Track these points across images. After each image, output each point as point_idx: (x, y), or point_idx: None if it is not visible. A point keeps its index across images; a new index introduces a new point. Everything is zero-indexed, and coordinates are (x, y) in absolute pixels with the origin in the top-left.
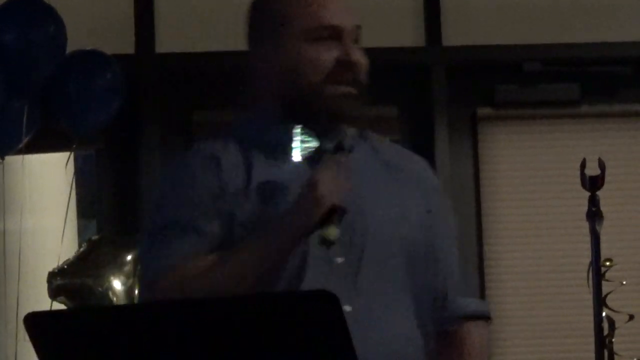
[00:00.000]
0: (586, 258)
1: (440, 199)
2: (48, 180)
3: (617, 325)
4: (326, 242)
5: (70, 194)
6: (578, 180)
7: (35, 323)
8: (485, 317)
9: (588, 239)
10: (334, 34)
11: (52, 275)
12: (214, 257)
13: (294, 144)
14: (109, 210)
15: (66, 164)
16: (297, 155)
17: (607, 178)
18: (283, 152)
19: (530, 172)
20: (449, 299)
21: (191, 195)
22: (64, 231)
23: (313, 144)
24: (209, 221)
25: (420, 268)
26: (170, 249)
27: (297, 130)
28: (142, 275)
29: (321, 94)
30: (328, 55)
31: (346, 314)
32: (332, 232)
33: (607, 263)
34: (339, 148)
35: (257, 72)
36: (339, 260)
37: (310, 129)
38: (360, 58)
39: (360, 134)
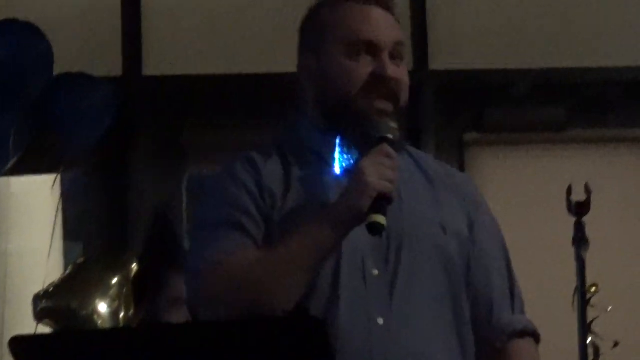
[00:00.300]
0: (572, 283)
1: (485, 215)
2: (34, 202)
3: (602, 351)
4: (375, 230)
5: (56, 216)
6: (565, 204)
7: (21, 346)
8: (535, 335)
9: (574, 263)
10: (372, 49)
11: (37, 298)
12: (260, 252)
13: (333, 155)
14: (96, 232)
15: (52, 186)
16: (336, 167)
17: (594, 203)
18: (321, 161)
19: (517, 196)
20: (496, 315)
21: (234, 197)
22: (50, 253)
23: (351, 156)
24: (251, 221)
25: (460, 283)
26: (216, 245)
27: (337, 141)
28: (187, 271)
29: (355, 106)
30: (362, 69)
31: (378, 327)
32: (381, 218)
33: (593, 289)
34: (384, 139)
35: (300, 81)
36: (375, 272)
37: (349, 140)
38: (397, 74)
39: (399, 143)
